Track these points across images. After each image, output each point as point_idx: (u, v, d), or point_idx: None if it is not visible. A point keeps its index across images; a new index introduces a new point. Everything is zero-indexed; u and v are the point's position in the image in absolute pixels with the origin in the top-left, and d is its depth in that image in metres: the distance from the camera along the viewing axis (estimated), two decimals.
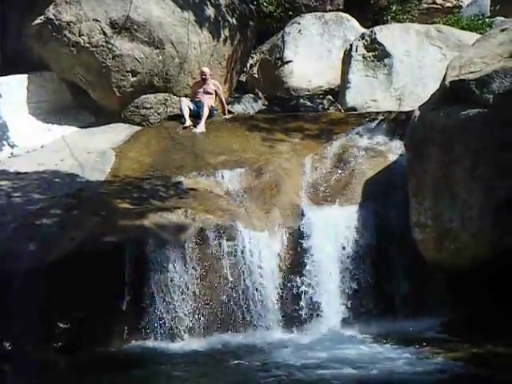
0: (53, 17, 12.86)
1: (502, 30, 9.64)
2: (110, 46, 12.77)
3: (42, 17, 12.92)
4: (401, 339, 8.49)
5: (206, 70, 13.16)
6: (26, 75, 13.26)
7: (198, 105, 12.88)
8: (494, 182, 8.29)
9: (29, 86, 13.23)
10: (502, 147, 8.26)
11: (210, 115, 12.92)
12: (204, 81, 13.07)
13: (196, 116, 12.80)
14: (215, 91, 13.13)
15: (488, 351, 7.89)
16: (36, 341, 8.51)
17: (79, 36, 12.76)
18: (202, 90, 13.03)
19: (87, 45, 12.78)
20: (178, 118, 12.99)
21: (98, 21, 12.78)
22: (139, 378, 7.81)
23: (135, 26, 12.86)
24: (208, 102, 12.88)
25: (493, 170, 8.30)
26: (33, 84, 13.28)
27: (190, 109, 12.83)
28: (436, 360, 7.78)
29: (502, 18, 16.22)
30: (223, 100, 13.30)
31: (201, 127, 12.53)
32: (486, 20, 18.14)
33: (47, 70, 13.52)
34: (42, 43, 13.06)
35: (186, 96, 13.21)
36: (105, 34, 12.74)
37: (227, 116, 13.21)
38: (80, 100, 13.46)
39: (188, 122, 12.60)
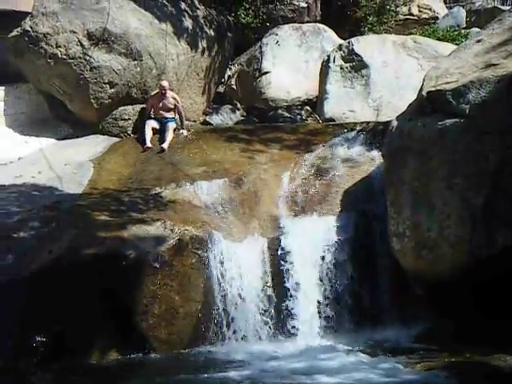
0: (29, 29, 12.80)
1: (478, 41, 9.72)
2: (87, 57, 12.74)
3: (18, 29, 12.88)
4: (379, 349, 8.52)
5: (165, 84, 12.77)
6: (3, 87, 13.22)
7: (162, 121, 12.67)
8: (470, 192, 8.34)
9: (6, 98, 13.20)
10: (478, 157, 8.32)
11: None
12: (163, 95, 12.74)
13: (161, 132, 12.56)
14: (174, 105, 12.79)
15: (466, 360, 7.92)
16: (13, 354, 8.41)
17: (56, 48, 12.71)
18: (161, 104, 12.72)
19: (64, 56, 12.73)
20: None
21: (75, 32, 12.74)
22: None
23: (112, 38, 12.84)
24: (171, 126, 12.56)
25: (469, 179, 8.36)
26: (10, 96, 13.24)
27: (154, 129, 12.60)
28: (414, 370, 7.81)
29: (478, 29, 16.35)
30: (182, 114, 12.86)
31: (165, 145, 12.15)
32: (462, 31, 18.33)
33: (24, 82, 13.47)
34: (19, 55, 13.00)
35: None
36: (82, 45, 12.71)
37: (185, 132, 12.72)
38: (58, 112, 13.41)
39: (149, 144, 12.24)
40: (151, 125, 12.65)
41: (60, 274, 8.70)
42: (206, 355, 8.75)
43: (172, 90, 13.05)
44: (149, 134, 12.46)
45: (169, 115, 12.78)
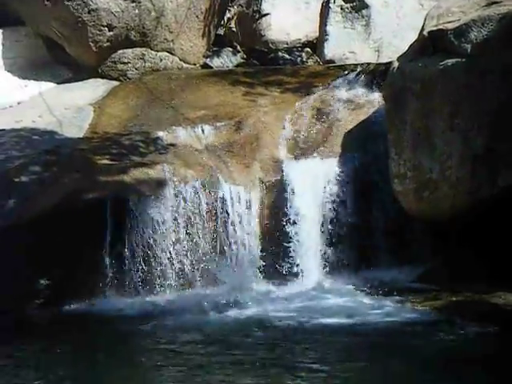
0: None
1: None
2: None
3: None
4: (381, 290, 8.60)
5: None
6: (1, 30, 13.07)
7: None
8: (471, 132, 8.33)
9: (4, 42, 13.03)
10: (480, 97, 8.28)
11: None
12: None
13: None
14: None
15: (466, 299, 8.02)
16: (16, 298, 8.52)
17: None
18: None
19: None
20: (157, 72, 12.90)
21: None
22: (122, 332, 7.88)
23: None
24: None
25: (471, 119, 8.33)
26: (8, 39, 13.09)
27: None
28: (416, 309, 7.91)
29: None
30: None
31: None
32: None
33: (23, 25, 13.32)
34: None
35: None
36: None
37: None
38: (57, 55, 13.27)
39: None
40: None
41: (62, 218, 8.74)
42: (210, 297, 8.80)
43: None
44: None
45: None
